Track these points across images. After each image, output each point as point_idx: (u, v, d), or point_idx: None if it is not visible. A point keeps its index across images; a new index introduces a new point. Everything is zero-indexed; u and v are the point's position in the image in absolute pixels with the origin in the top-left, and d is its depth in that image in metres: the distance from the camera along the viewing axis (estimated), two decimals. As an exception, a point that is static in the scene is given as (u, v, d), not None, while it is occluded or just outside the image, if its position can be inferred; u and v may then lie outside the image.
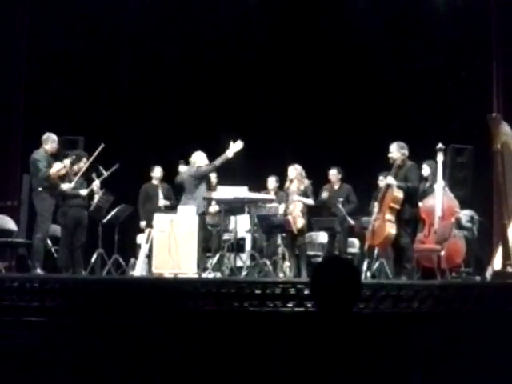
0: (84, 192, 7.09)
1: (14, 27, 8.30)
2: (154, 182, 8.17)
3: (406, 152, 6.52)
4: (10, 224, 7.35)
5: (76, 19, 8.80)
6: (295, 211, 7.38)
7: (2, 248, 7.13)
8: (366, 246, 7.20)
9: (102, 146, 7.16)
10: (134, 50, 9.11)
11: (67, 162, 7.02)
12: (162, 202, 7.93)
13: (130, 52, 9.09)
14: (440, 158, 6.87)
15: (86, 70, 8.97)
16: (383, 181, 7.50)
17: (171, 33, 9.10)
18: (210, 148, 7.73)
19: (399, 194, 6.39)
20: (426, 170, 7.13)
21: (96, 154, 7.14)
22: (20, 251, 7.78)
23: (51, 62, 8.71)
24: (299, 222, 7.35)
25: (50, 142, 6.95)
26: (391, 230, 6.36)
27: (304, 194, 7.54)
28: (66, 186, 7.00)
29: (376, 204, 6.67)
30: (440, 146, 6.87)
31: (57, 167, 6.86)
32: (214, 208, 7.91)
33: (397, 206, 6.38)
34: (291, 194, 7.51)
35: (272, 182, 8.09)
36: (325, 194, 7.79)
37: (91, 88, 8.94)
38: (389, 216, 6.38)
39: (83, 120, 8.56)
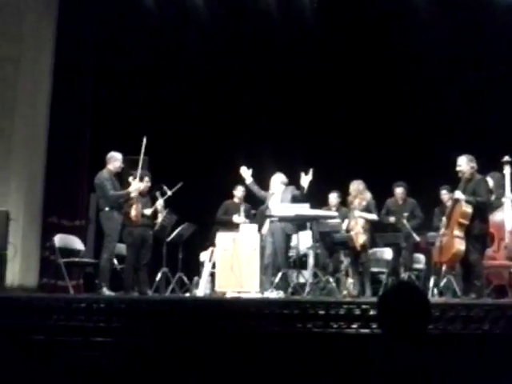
0: (148, 211, 7.18)
1: (82, 46, 8.54)
2: (236, 200, 8.12)
3: (475, 165, 6.33)
4: (77, 244, 7.54)
5: (142, 38, 8.99)
6: (357, 227, 7.28)
7: (70, 267, 7.28)
8: (433, 263, 7.02)
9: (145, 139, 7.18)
10: (201, 70, 9.21)
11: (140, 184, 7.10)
12: (242, 220, 7.85)
13: (195, 71, 9.20)
14: (507, 170, 6.64)
15: (152, 90, 9.16)
16: (446, 195, 7.30)
17: (234, 54, 9.17)
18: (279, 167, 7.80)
19: (468, 209, 6.19)
20: (489, 182, 6.89)
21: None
22: (87, 270, 7.99)
23: (117, 83, 8.93)
24: (361, 239, 7.24)
25: (113, 161, 7.05)
26: (460, 246, 6.17)
27: (366, 209, 7.43)
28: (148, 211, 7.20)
29: (443, 219, 6.49)
30: (507, 158, 6.66)
31: (134, 187, 6.98)
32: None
33: (466, 222, 6.19)
34: (353, 210, 7.41)
35: (334, 197, 8.00)
36: (392, 219, 7.61)
37: (157, 108, 9.13)
38: (457, 232, 6.20)
39: (148, 140, 8.73)
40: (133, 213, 6.84)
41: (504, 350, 4.25)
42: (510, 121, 8.37)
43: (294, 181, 7.64)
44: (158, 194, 7.36)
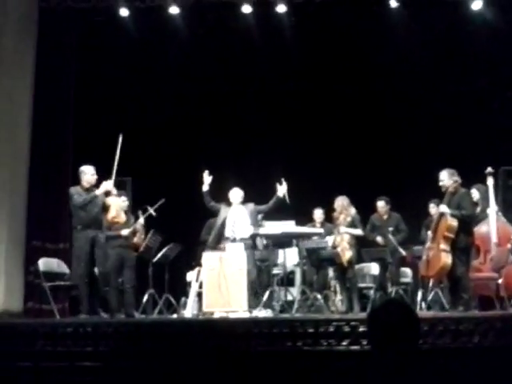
0: (125, 232, 7.14)
1: (63, 69, 8.50)
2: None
3: (458, 179, 6.38)
4: (61, 267, 7.45)
5: (126, 60, 9.01)
6: (343, 243, 7.29)
7: (55, 291, 7.19)
8: (420, 276, 7.05)
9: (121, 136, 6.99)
10: (181, 87, 9.23)
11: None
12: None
13: (176, 90, 9.21)
14: (490, 181, 6.70)
15: (132, 110, 9.15)
16: (434, 208, 7.35)
17: (224, 71, 9.21)
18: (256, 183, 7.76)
19: (454, 223, 6.22)
20: (475, 194, 6.94)
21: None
22: (73, 294, 7.88)
23: (99, 101, 8.91)
24: (347, 254, 7.25)
25: (83, 175, 6.77)
26: (447, 259, 6.19)
27: (351, 224, 7.44)
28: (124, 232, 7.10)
29: (429, 233, 6.52)
30: (489, 169, 6.71)
31: (102, 187, 6.68)
32: (261, 242, 7.86)
33: (452, 235, 6.22)
34: (338, 226, 7.42)
35: (318, 213, 8.01)
36: (379, 239, 7.62)
37: (139, 127, 9.11)
38: (443, 245, 6.22)
39: (130, 161, 8.71)
40: (109, 215, 6.62)
41: (494, 362, 4.26)
42: (491, 132, 8.48)
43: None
44: (140, 213, 7.31)
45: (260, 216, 7.84)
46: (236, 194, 7.46)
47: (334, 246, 7.36)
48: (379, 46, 8.97)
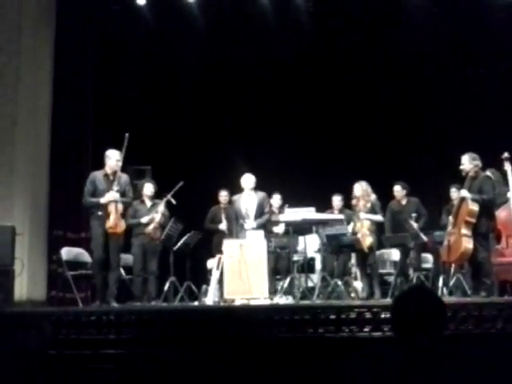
0: (144, 220, 7.17)
1: (81, 60, 8.55)
2: (222, 205, 8.18)
3: (479, 163, 6.31)
4: (84, 256, 7.52)
5: (143, 49, 9.01)
6: (363, 229, 7.25)
7: (78, 280, 7.27)
8: (442, 262, 7.00)
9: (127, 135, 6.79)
10: (198, 75, 9.23)
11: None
12: (226, 227, 7.92)
13: (192, 77, 9.21)
14: (508, 166, 6.60)
15: (149, 99, 9.16)
16: (455, 193, 7.28)
17: (233, 59, 9.19)
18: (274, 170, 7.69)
19: (475, 207, 6.17)
20: None
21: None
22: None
23: (118, 94, 8.94)
24: (367, 240, 7.22)
25: (107, 160, 6.66)
26: (468, 245, 6.14)
27: (372, 210, 7.40)
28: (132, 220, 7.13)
29: (450, 218, 6.46)
30: (506, 155, 6.59)
31: (107, 197, 6.48)
32: (280, 229, 7.86)
33: (473, 220, 6.16)
34: (358, 212, 7.38)
35: (337, 200, 7.97)
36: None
37: (158, 118, 9.14)
38: (465, 230, 6.17)
39: (151, 150, 8.76)
40: (107, 224, 6.48)
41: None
42: (506, 118, 8.36)
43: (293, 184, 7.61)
44: (158, 202, 7.32)
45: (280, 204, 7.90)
46: (248, 179, 7.47)
47: (355, 233, 7.34)
48: (396, 31, 8.90)
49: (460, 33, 8.79)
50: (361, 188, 7.43)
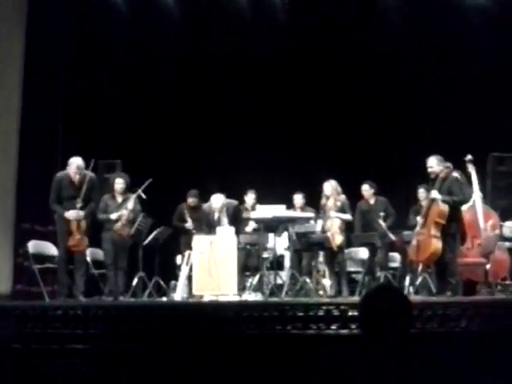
0: (114, 216, 7.13)
1: (53, 52, 8.45)
2: (191, 204, 8.19)
3: (449, 164, 6.41)
4: (51, 249, 7.42)
5: (114, 43, 8.93)
6: (333, 228, 7.31)
7: (44, 273, 7.18)
8: (409, 261, 7.09)
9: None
10: (173, 68, 9.18)
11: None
12: (191, 226, 7.94)
13: (166, 71, 9.16)
14: (472, 168, 6.71)
15: (123, 92, 9.10)
16: (423, 193, 7.39)
17: (207, 53, 9.16)
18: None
19: (445, 209, 6.28)
20: None
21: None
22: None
23: (89, 87, 8.85)
24: (338, 239, 7.28)
25: (67, 166, 6.85)
26: (438, 245, 6.27)
27: (341, 209, 7.46)
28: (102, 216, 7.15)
29: (419, 218, 6.55)
30: (469, 157, 6.69)
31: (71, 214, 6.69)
32: (250, 227, 7.90)
33: (443, 221, 6.28)
34: (328, 211, 7.43)
35: (298, 198, 8.01)
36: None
37: (128, 111, 9.07)
38: (434, 231, 6.29)
39: (121, 145, 8.70)
40: (71, 241, 6.67)
41: (481, 347, 4.31)
42: (481, 119, 8.50)
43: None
44: (128, 198, 7.26)
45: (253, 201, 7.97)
46: (217, 199, 7.60)
47: (324, 231, 7.39)
48: (369, 30, 8.95)
49: (431, 34, 8.89)
50: (331, 187, 7.48)
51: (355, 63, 9.10)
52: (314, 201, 7.83)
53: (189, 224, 7.97)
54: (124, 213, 7.11)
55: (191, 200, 8.14)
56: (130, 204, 7.15)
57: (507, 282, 6.85)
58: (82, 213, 6.71)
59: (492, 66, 8.57)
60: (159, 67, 9.13)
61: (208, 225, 7.65)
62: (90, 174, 6.90)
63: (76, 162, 6.78)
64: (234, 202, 7.86)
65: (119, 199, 7.31)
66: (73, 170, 6.74)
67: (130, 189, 7.42)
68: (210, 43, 9.07)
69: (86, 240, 6.80)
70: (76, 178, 6.75)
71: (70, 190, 6.78)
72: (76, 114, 8.69)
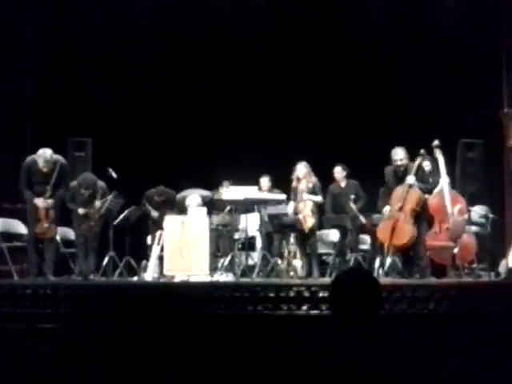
0: (81, 211, 7.04)
1: (23, 28, 8.28)
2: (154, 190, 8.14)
3: (423, 151, 6.60)
4: (20, 227, 7.32)
5: (86, 20, 8.80)
6: (305, 210, 7.33)
7: (13, 252, 7.09)
8: (379, 244, 7.16)
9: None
10: (144, 49, 9.09)
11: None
12: (156, 214, 7.91)
13: (138, 51, 9.05)
14: (439, 154, 6.79)
15: (95, 70, 8.97)
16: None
17: (180, 35, 9.08)
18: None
19: (423, 197, 6.52)
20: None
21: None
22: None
23: (59, 65, 8.71)
24: (309, 222, 7.31)
25: (37, 156, 6.68)
26: (414, 232, 6.48)
27: (312, 191, 7.49)
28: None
29: (394, 202, 6.61)
30: (436, 142, 6.77)
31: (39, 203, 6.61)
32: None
33: (418, 209, 6.50)
34: (300, 193, 7.45)
35: (265, 181, 8.04)
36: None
37: (100, 90, 8.96)
38: (410, 218, 6.48)
39: (91, 121, 8.59)
40: (38, 229, 6.61)
41: (448, 328, 4.41)
42: (450, 105, 8.60)
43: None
44: (98, 196, 7.11)
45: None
46: (193, 199, 7.53)
47: (296, 213, 7.42)
48: (345, 17, 8.97)
49: (406, 20, 8.94)
50: (304, 169, 7.49)
51: (326, 46, 9.11)
52: (283, 183, 7.84)
53: (155, 214, 7.91)
54: (91, 212, 7.03)
55: (157, 199, 8.04)
56: (98, 203, 7.05)
57: (474, 266, 6.99)
58: (50, 201, 6.64)
59: (463, 53, 8.66)
60: (133, 47, 9.02)
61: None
62: (60, 160, 6.79)
63: (43, 154, 6.62)
64: (209, 196, 7.83)
65: (87, 193, 7.17)
66: (41, 163, 6.62)
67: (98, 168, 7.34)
68: (183, 25, 8.99)
69: (54, 227, 6.73)
70: (44, 170, 6.65)
71: (40, 177, 6.68)
72: (46, 91, 8.54)
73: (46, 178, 6.68)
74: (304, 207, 7.34)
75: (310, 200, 7.39)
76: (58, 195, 6.74)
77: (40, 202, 6.63)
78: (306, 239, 7.45)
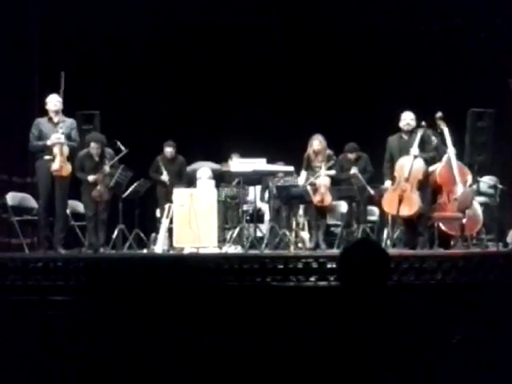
0: (91, 178, 7.03)
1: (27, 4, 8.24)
2: (168, 155, 8.16)
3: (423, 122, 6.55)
4: (30, 201, 7.38)
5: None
6: (323, 187, 7.31)
7: (24, 226, 7.16)
8: (387, 215, 7.15)
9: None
10: (153, 20, 9.06)
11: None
12: (166, 178, 7.93)
13: (147, 22, 9.03)
14: (444, 125, 6.74)
15: (103, 45, 8.93)
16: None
17: (183, 15, 9.02)
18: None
19: (427, 168, 6.53)
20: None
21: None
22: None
23: (65, 39, 8.69)
24: (328, 199, 7.32)
25: (47, 105, 6.54)
26: (420, 202, 6.49)
27: (329, 167, 7.46)
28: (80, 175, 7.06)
29: (401, 171, 6.58)
30: (439, 114, 6.72)
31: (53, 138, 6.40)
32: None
33: (425, 180, 6.52)
34: (317, 168, 7.40)
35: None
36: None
37: (107, 63, 8.93)
38: (417, 189, 6.50)
39: (99, 95, 8.58)
40: (53, 166, 6.38)
41: (455, 299, 4.43)
42: (461, 73, 8.50)
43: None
44: (106, 159, 7.11)
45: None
46: (204, 172, 7.53)
47: (312, 185, 7.33)
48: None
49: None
50: (320, 143, 7.44)
51: (331, 19, 9.01)
52: (294, 156, 7.80)
53: (164, 176, 7.95)
54: (100, 178, 7.02)
55: (168, 150, 8.08)
56: (107, 168, 7.04)
57: (482, 236, 6.99)
58: (63, 137, 6.43)
59: (473, 19, 8.53)
60: (142, 16, 8.99)
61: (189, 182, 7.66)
62: (69, 119, 6.71)
63: (53, 96, 6.53)
64: (218, 169, 7.84)
65: (96, 159, 7.19)
66: (52, 104, 6.48)
67: (108, 140, 7.34)
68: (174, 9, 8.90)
69: (68, 166, 6.51)
70: (56, 109, 6.47)
71: (50, 127, 6.51)
72: (53, 63, 8.51)
73: (54, 127, 6.51)
74: (322, 184, 7.31)
75: (328, 175, 7.37)
76: (70, 143, 6.56)
77: (53, 137, 6.40)
78: (320, 213, 7.44)
